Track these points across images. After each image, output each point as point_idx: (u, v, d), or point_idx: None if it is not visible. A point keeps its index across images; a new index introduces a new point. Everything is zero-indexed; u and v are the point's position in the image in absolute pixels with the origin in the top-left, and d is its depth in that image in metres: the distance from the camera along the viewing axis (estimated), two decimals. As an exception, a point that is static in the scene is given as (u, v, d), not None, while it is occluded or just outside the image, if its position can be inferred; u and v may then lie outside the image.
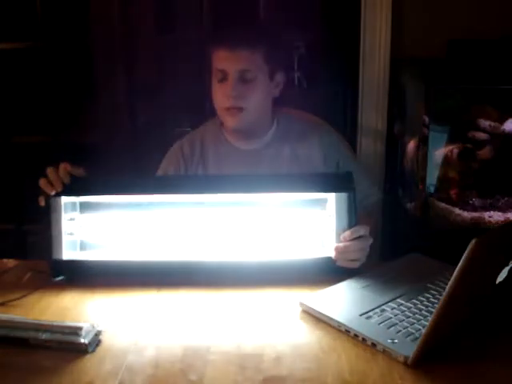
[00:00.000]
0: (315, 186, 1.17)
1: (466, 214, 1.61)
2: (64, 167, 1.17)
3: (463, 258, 0.81)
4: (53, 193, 1.15)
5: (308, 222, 1.19)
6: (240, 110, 1.40)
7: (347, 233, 1.15)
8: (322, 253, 1.19)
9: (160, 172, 1.53)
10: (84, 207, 1.19)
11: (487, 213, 1.62)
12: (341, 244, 1.15)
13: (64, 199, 1.17)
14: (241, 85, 1.38)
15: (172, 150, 1.55)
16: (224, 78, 1.39)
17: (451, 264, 0.86)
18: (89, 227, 1.20)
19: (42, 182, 1.16)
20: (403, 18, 1.97)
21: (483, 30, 1.84)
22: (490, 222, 1.61)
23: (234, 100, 1.39)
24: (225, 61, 1.38)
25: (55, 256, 1.17)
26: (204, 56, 1.45)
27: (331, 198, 1.17)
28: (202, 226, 1.19)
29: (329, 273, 1.16)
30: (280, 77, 1.47)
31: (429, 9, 1.96)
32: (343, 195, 1.15)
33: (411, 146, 1.87)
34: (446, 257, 1.12)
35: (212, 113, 1.50)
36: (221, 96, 1.41)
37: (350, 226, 1.16)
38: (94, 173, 1.23)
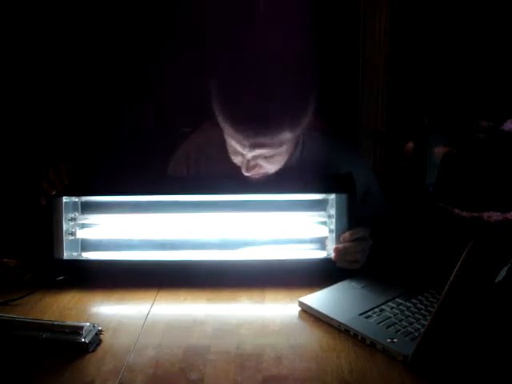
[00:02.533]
0: (315, 187, 1.17)
1: (465, 214, 1.61)
2: (65, 167, 1.17)
3: (461, 258, 0.82)
4: (53, 193, 1.16)
5: (308, 222, 1.19)
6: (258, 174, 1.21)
7: (347, 234, 1.15)
8: (322, 254, 1.19)
9: None
10: (85, 207, 1.20)
11: (486, 213, 1.62)
12: (340, 245, 1.15)
13: (65, 199, 1.17)
14: (259, 161, 1.17)
15: (176, 158, 1.42)
16: (250, 160, 1.16)
17: (450, 263, 0.87)
18: (90, 227, 1.20)
19: (43, 182, 1.16)
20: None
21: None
22: (489, 221, 1.61)
23: (261, 174, 1.19)
24: (239, 146, 1.14)
25: (56, 256, 1.18)
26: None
27: (331, 198, 1.17)
28: (203, 226, 1.19)
29: (328, 274, 1.16)
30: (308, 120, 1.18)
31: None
32: (343, 196, 1.16)
33: (410, 145, 1.87)
34: (445, 256, 1.12)
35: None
36: (236, 160, 1.20)
37: (350, 226, 1.16)
38: (95, 173, 1.23)
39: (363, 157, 1.43)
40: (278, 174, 1.31)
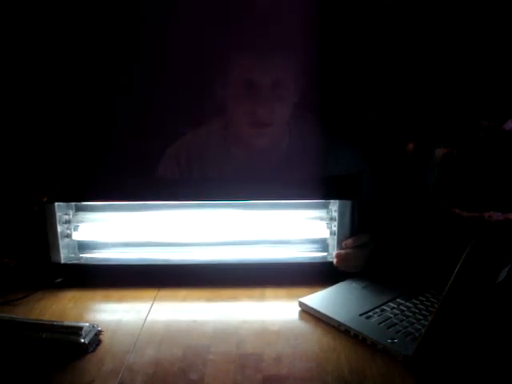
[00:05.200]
0: (318, 192, 1.16)
1: (465, 214, 1.61)
2: (56, 171, 1.17)
3: (462, 258, 0.81)
4: (45, 199, 1.15)
5: (309, 222, 1.19)
6: (267, 125, 1.26)
7: (349, 240, 1.14)
8: (323, 257, 1.19)
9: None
10: (79, 208, 1.18)
11: (487, 212, 1.62)
12: (342, 251, 1.15)
13: (57, 202, 1.16)
14: (271, 97, 1.23)
15: (167, 158, 1.42)
16: (251, 89, 1.23)
17: (450, 263, 0.87)
18: (85, 228, 1.19)
19: (35, 187, 1.16)
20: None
21: None
22: (489, 221, 1.61)
23: (263, 115, 1.23)
24: (254, 70, 1.22)
25: (54, 260, 1.17)
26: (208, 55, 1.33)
27: (334, 202, 1.16)
28: (203, 227, 1.19)
29: (329, 274, 1.16)
30: (302, 79, 1.29)
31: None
32: (346, 202, 1.14)
33: (411, 146, 1.87)
34: (446, 256, 1.12)
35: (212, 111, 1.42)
36: (245, 110, 1.24)
37: (352, 231, 1.15)
38: (89, 177, 1.22)
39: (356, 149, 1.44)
40: (278, 173, 1.32)
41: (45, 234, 1.16)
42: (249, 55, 1.22)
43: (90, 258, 1.20)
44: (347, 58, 2.08)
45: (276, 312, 1.07)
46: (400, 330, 0.96)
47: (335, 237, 1.16)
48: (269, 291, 1.14)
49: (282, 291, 1.14)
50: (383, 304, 1.05)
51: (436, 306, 0.87)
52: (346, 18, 2.03)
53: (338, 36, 2.06)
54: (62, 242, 1.17)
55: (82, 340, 0.93)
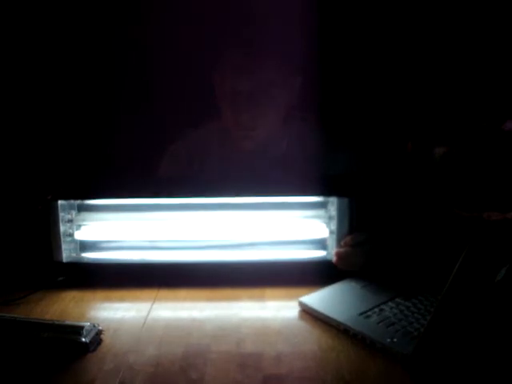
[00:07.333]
0: (317, 190, 1.16)
1: (465, 214, 1.61)
2: (59, 170, 1.17)
3: (461, 258, 0.82)
4: (49, 197, 1.15)
5: (308, 222, 1.19)
6: (251, 128, 1.28)
7: (348, 238, 1.15)
8: (323, 256, 1.19)
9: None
10: (82, 208, 1.19)
11: (486, 212, 1.62)
12: (341, 249, 1.15)
13: (61, 201, 1.17)
14: (252, 103, 1.24)
15: (168, 157, 1.44)
16: (234, 93, 1.24)
17: (450, 263, 0.87)
18: (87, 227, 1.19)
19: (38, 185, 1.16)
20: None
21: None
22: (488, 221, 1.61)
23: (245, 120, 1.26)
24: (236, 76, 1.22)
25: (55, 258, 1.18)
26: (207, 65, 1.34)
27: (333, 200, 1.16)
28: (203, 228, 1.19)
29: (328, 274, 1.16)
30: (296, 82, 1.29)
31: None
32: (345, 200, 1.15)
33: (409, 145, 1.87)
34: (445, 256, 1.12)
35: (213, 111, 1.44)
36: (231, 112, 1.26)
37: (351, 229, 1.15)
38: (93, 175, 1.23)
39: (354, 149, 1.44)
40: (277, 171, 1.33)
41: (47, 233, 1.17)
42: (232, 62, 1.24)
43: (92, 257, 1.21)
44: (347, 59, 2.08)
45: (276, 311, 1.07)
46: (399, 330, 0.97)
47: (334, 236, 1.16)
48: (269, 291, 1.14)
49: (281, 291, 1.14)
50: (382, 303, 1.05)
51: (435, 305, 0.87)
52: (345, 19, 2.03)
53: (337, 37, 2.07)
54: (65, 241, 1.18)
55: (83, 339, 0.94)
